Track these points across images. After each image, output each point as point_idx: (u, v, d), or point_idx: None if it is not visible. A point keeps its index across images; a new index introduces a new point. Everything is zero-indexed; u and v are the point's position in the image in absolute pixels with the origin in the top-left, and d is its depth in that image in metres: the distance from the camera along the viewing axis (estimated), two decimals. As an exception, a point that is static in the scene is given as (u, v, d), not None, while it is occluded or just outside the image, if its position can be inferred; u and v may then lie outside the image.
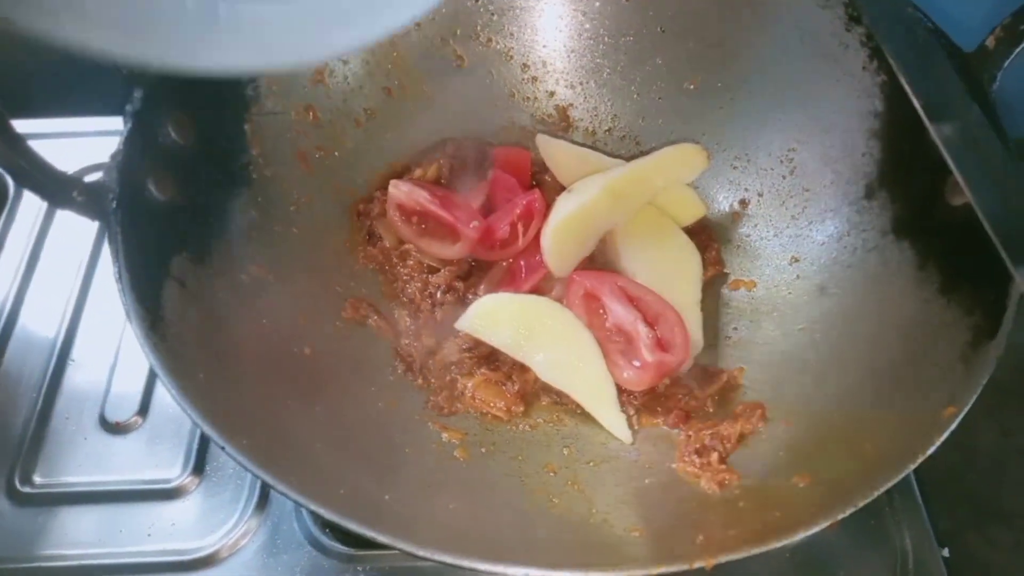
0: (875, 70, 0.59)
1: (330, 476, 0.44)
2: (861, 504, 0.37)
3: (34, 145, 0.46)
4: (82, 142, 0.80)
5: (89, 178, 0.50)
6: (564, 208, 0.64)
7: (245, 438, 0.42)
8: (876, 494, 0.38)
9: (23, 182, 0.44)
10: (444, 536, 0.39)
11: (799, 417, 0.51)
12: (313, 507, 0.38)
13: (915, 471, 0.60)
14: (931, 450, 0.39)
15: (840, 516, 0.37)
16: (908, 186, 0.56)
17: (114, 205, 0.49)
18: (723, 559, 0.36)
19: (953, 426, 0.40)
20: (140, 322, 0.44)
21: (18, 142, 0.43)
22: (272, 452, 0.42)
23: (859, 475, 0.40)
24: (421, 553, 0.37)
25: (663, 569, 0.36)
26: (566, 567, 0.36)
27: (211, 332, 0.51)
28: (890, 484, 0.38)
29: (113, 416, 0.69)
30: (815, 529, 0.37)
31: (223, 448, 0.40)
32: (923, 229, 0.54)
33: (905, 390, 0.46)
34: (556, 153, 0.70)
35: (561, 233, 0.63)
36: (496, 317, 0.60)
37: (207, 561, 0.62)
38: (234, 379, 0.49)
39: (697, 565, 0.36)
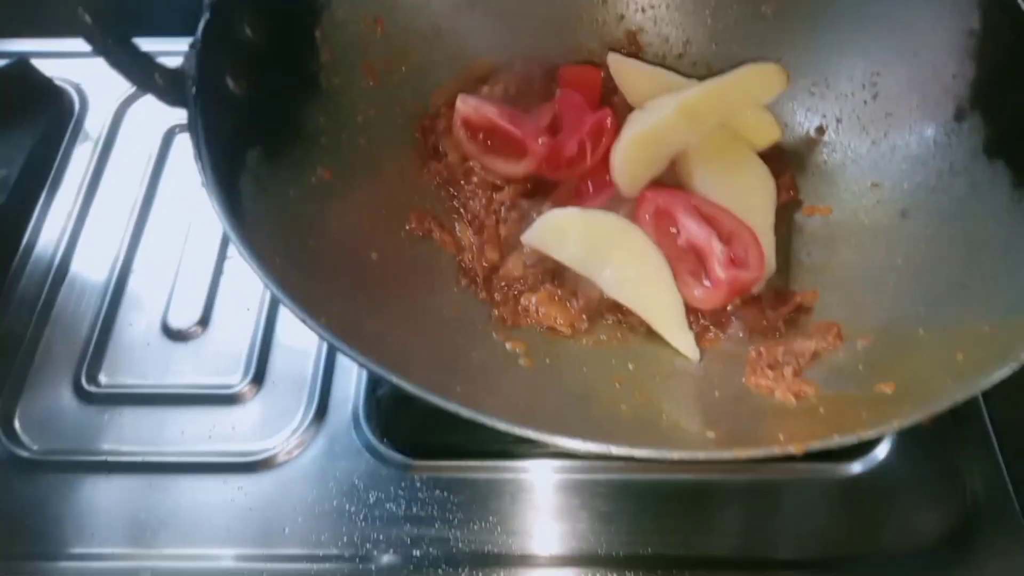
0: (975, -15, 0.56)
1: (403, 362, 0.43)
2: (961, 400, 0.36)
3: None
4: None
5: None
6: (636, 126, 0.62)
7: (324, 318, 0.42)
8: (978, 390, 0.36)
9: (111, 60, 0.44)
10: (518, 413, 0.38)
11: (879, 334, 0.50)
12: (395, 379, 0.38)
13: (992, 413, 0.60)
14: (1034, 352, 0.37)
15: (938, 410, 0.36)
16: (1003, 106, 0.54)
17: (194, 91, 0.48)
18: (814, 445, 0.35)
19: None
20: (221, 202, 0.44)
21: (109, 23, 0.43)
22: (349, 335, 0.42)
23: (951, 379, 0.39)
24: (500, 426, 0.36)
25: (749, 452, 0.35)
26: (645, 445, 0.35)
27: (284, 225, 0.51)
28: (992, 382, 0.37)
29: (175, 324, 0.70)
30: (910, 421, 0.36)
31: (305, 322, 0.40)
32: (1019, 146, 0.51)
33: (998, 302, 0.44)
34: (627, 72, 0.68)
35: (632, 151, 0.61)
36: (563, 231, 0.59)
37: (267, 464, 0.63)
38: (307, 271, 0.49)
39: (787, 450, 0.35)
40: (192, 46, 0.51)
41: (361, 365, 0.39)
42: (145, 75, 0.47)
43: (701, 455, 0.36)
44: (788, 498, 0.60)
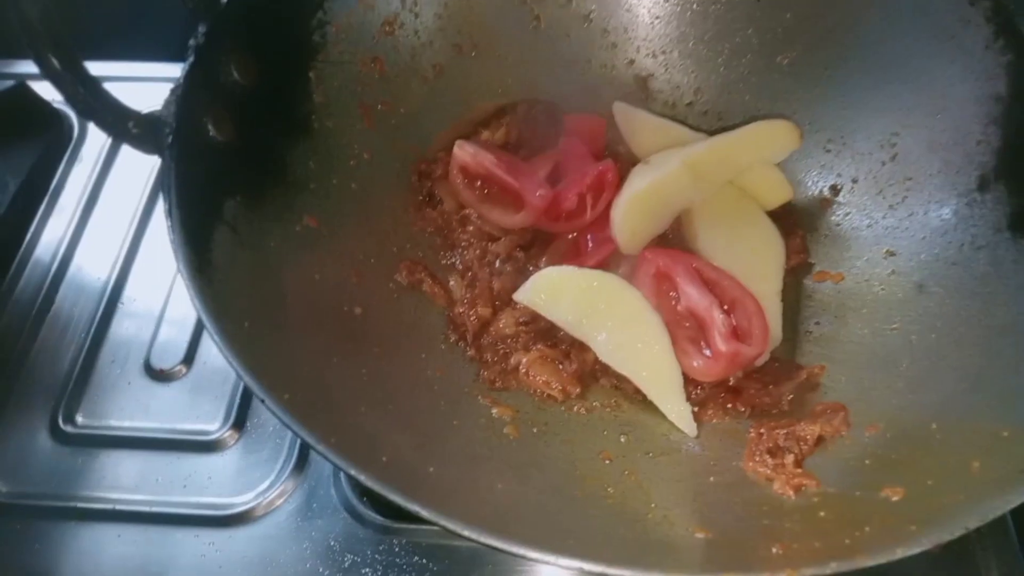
0: (1000, 49, 0.53)
1: (373, 441, 0.41)
2: (973, 527, 0.33)
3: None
4: (140, 87, 0.79)
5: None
6: (639, 181, 0.59)
7: (287, 393, 0.39)
8: (993, 516, 0.33)
9: (80, 110, 0.42)
10: (488, 516, 0.36)
11: (889, 424, 0.46)
12: (354, 472, 0.35)
13: None
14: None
15: (947, 538, 0.32)
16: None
17: (170, 140, 0.46)
18: (808, 573, 0.32)
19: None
20: (188, 262, 0.42)
21: (79, 70, 0.42)
22: (314, 410, 0.40)
23: (965, 494, 0.35)
24: (464, 532, 0.34)
25: (738, 577, 0.32)
26: (623, 564, 0.32)
27: (260, 281, 0.49)
28: (1011, 506, 0.33)
29: (158, 363, 0.68)
30: (915, 550, 0.32)
31: (263, 401, 0.38)
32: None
33: (1018, 401, 0.41)
34: (633, 123, 0.66)
35: (634, 207, 0.59)
36: (558, 290, 0.56)
37: (240, 519, 0.60)
38: (280, 331, 0.47)
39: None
40: (173, 91, 0.49)
41: (322, 456, 0.36)
42: (118, 123, 0.44)
43: (682, 577, 0.33)
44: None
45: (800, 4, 0.64)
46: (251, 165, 0.53)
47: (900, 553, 0.32)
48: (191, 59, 0.50)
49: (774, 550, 0.35)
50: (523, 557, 0.33)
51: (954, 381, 0.46)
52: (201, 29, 0.51)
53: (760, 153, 0.61)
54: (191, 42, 0.50)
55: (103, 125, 0.44)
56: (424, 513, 0.34)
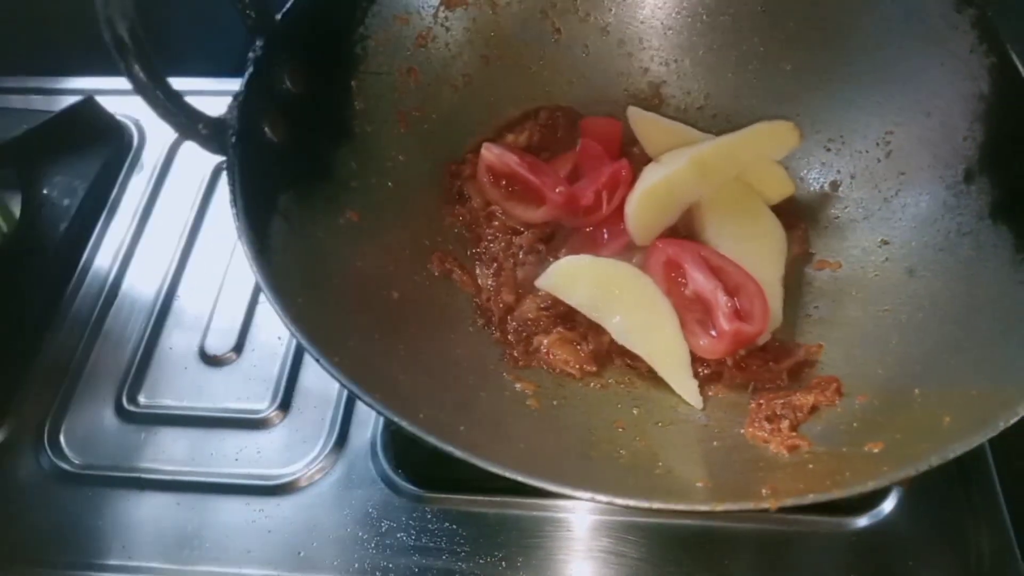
0: (984, 52, 0.58)
1: (411, 402, 0.46)
2: (936, 464, 0.37)
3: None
4: (204, 100, 0.86)
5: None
6: (650, 178, 0.64)
7: (336, 357, 0.45)
8: (951, 456, 0.37)
9: (159, 112, 0.49)
10: (512, 462, 0.41)
11: (876, 392, 0.51)
12: (396, 420, 0.41)
13: (1002, 477, 0.60)
14: (1013, 420, 0.38)
15: (912, 473, 0.37)
16: (1010, 170, 0.55)
17: (233, 140, 0.53)
18: (788, 502, 0.36)
19: (1039, 398, 0.39)
20: (251, 244, 0.48)
21: (159, 78, 0.48)
22: (360, 373, 0.45)
23: (934, 442, 0.40)
24: (492, 468, 0.39)
25: (726, 506, 0.37)
26: (630, 496, 0.37)
27: (310, 265, 0.55)
28: (967, 448, 0.38)
29: (211, 350, 0.75)
30: (883, 482, 0.37)
31: (318, 360, 0.43)
32: (1022, 212, 0.52)
33: (989, 368, 0.45)
34: (646, 125, 0.71)
35: (645, 202, 0.64)
36: (575, 277, 0.61)
37: (287, 488, 0.66)
38: (328, 309, 0.52)
39: (762, 506, 0.37)
40: (235, 97, 0.55)
41: (368, 404, 0.42)
42: (190, 125, 0.51)
43: (680, 506, 0.38)
44: (796, 550, 0.60)
45: (800, 13, 0.69)
46: (301, 164, 0.59)
47: (871, 486, 0.37)
48: (251, 69, 0.56)
49: (764, 491, 0.40)
50: (542, 490, 0.38)
51: (936, 353, 0.50)
52: (259, 43, 0.57)
53: (762, 151, 0.66)
54: (250, 55, 0.57)
55: (178, 127, 0.50)
56: (457, 453, 0.39)
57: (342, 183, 0.63)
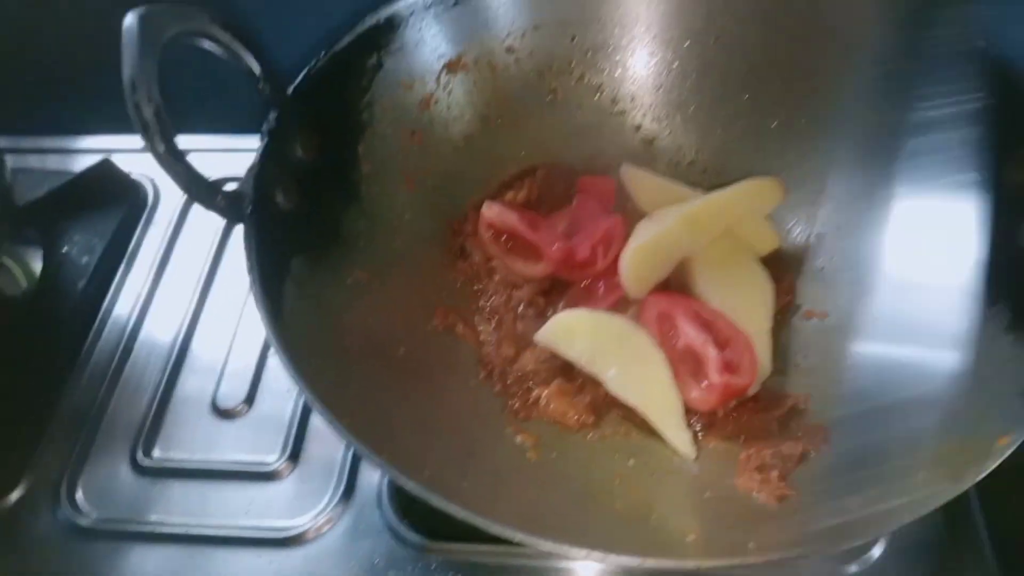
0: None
1: (416, 459, 0.48)
2: (907, 520, 0.39)
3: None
4: (220, 156, 0.90)
5: (228, 187, 0.58)
6: (643, 234, 0.67)
7: (347, 417, 0.47)
8: (921, 513, 0.40)
9: (185, 189, 0.52)
10: (512, 519, 0.43)
11: (861, 443, 0.53)
12: (402, 480, 0.43)
13: (988, 520, 0.61)
14: (980, 476, 0.41)
15: (884, 533, 0.39)
16: (986, 226, 0.57)
17: (249, 210, 0.56)
18: (772, 556, 0.39)
19: (1007, 454, 0.41)
20: (267, 311, 0.51)
21: (179, 153, 0.51)
22: (370, 431, 0.48)
23: (907, 498, 0.42)
24: (493, 528, 0.41)
25: (714, 562, 0.39)
26: (622, 552, 0.39)
27: (321, 326, 0.58)
28: (934, 506, 0.40)
29: (223, 403, 0.77)
30: (859, 541, 0.39)
31: (330, 423, 0.46)
32: (997, 267, 0.55)
33: (963, 419, 0.48)
34: (639, 182, 0.74)
35: (639, 257, 0.67)
36: (572, 331, 0.64)
37: (296, 540, 0.67)
38: (340, 369, 0.55)
39: (749, 561, 0.39)
40: (250, 169, 0.59)
41: (376, 465, 0.44)
42: (209, 197, 0.54)
43: (670, 563, 0.40)
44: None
45: (787, 73, 0.72)
46: (312, 228, 0.62)
47: (847, 543, 0.39)
48: (265, 141, 0.60)
49: (750, 545, 0.42)
50: (537, 546, 0.40)
51: (915, 406, 0.53)
52: (272, 115, 0.61)
53: (749, 207, 0.69)
54: (264, 127, 0.61)
55: (199, 199, 0.53)
56: (461, 513, 0.42)
57: (351, 244, 0.66)
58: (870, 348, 0.60)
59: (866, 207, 0.68)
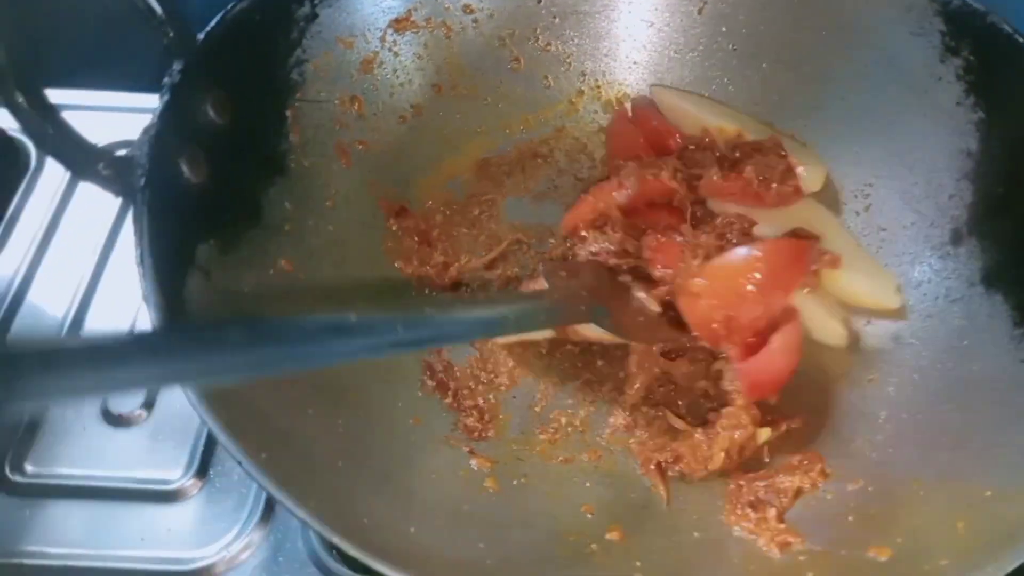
0: (971, 106, 0.55)
1: (352, 501, 0.39)
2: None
3: (64, 116, 0.43)
4: (114, 116, 0.77)
5: (118, 152, 0.46)
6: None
7: (264, 451, 0.37)
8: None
9: (47, 149, 0.41)
10: (474, 569, 0.34)
11: (870, 479, 0.46)
12: (336, 540, 0.34)
13: None
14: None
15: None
16: (1002, 233, 0.52)
17: (142, 182, 0.45)
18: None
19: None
20: (159, 311, 0.40)
21: (47, 108, 0.40)
22: (292, 469, 0.38)
23: (951, 557, 0.35)
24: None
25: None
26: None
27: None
28: (1002, 571, 0.33)
29: (116, 407, 0.65)
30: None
31: (240, 463, 0.36)
32: (1019, 281, 0.49)
33: (998, 460, 0.42)
34: (671, 100, 0.68)
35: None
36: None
37: (201, 575, 0.57)
38: (253, 387, 0.45)
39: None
40: (145, 131, 0.47)
41: (300, 519, 0.34)
42: (87, 165, 0.43)
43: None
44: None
45: (775, 55, 0.66)
46: (225, 207, 0.51)
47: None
48: (166, 98, 0.48)
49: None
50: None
51: (933, 436, 0.47)
52: (176, 67, 0.49)
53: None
54: (166, 80, 0.49)
55: (70, 165, 0.42)
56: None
57: (274, 228, 0.56)
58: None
59: (862, 208, 0.62)
